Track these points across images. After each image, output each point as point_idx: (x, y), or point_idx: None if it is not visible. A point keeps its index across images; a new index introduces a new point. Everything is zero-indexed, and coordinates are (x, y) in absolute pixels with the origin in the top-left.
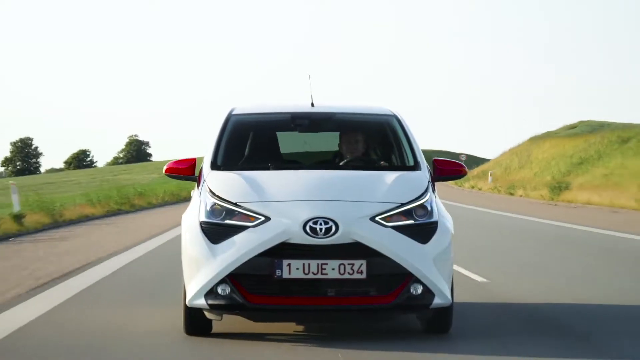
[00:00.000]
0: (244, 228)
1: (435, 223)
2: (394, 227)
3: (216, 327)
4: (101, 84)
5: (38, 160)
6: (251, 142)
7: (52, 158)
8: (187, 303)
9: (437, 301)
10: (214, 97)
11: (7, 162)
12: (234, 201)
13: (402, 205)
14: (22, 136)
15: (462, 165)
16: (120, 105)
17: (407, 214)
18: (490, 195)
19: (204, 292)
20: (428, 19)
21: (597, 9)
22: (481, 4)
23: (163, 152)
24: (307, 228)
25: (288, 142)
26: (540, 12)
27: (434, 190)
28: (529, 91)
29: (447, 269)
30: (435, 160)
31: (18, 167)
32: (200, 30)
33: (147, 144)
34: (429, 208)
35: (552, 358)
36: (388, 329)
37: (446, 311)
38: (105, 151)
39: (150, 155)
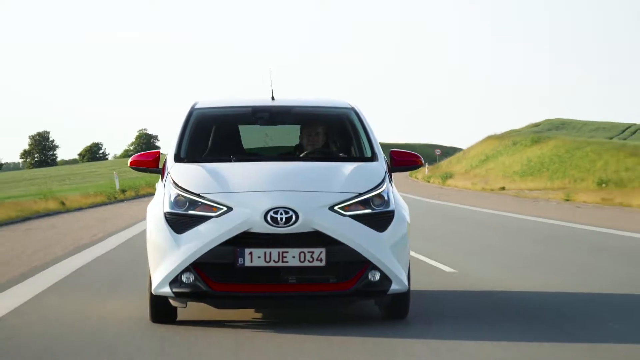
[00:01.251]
0: (207, 218)
1: (392, 212)
2: (352, 216)
3: (182, 315)
4: (113, 81)
5: (55, 152)
6: (214, 135)
7: (66, 151)
8: (152, 291)
9: (394, 287)
10: (219, 93)
11: (25, 154)
12: (197, 192)
13: (360, 195)
14: (40, 130)
15: (417, 156)
16: (131, 101)
17: (365, 203)
18: (414, 181)
19: (169, 281)
20: (425, 16)
21: (575, 6)
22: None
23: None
24: (268, 218)
25: (251, 135)
26: (539, 8)
27: (390, 181)
28: (517, 85)
29: (404, 256)
30: (392, 151)
31: (36, 159)
32: (204, 29)
33: (155, 137)
34: (386, 197)
35: (497, 341)
36: (347, 315)
37: (403, 297)
38: (116, 144)
39: (159, 147)
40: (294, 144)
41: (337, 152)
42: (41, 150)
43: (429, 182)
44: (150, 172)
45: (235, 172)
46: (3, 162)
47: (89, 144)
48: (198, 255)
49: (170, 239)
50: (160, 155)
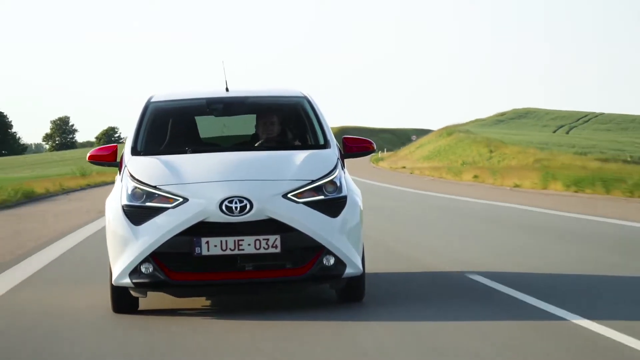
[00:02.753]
0: (164, 209)
1: (345, 198)
2: (305, 203)
3: (143, 305)
4: (129, 69)
5: (74, 136)
6: (171, 127)
7: (84, 134)
8: (113, 282)
9: (348, 271)
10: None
11: (47, 137)
12: (153, 184)
13: (313, 182)
14: (61, 115)
15: (370, 142)
16: (144, 87)
17: (318, 190)
18: (369, 165)
19: (129, 271)
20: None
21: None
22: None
23: None
24: (223, 207)
25: (208, 126)
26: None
27: (343, 167)
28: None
29: (358, 241)
30: (344, 138)
31: (57, 142)
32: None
33: None
34: (338, 184)
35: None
36: (303, 300)
37: (358, 280)
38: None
39: None
40: (250, 134)
41: (293, 141)
42: (61, 134)
43: (372, 163)
44: (109, 165)
45: (191, 164)
46: (26, 143)
47: (105, 128)
48: (156, 246)
49: (128, 230)
50: (118, 148)
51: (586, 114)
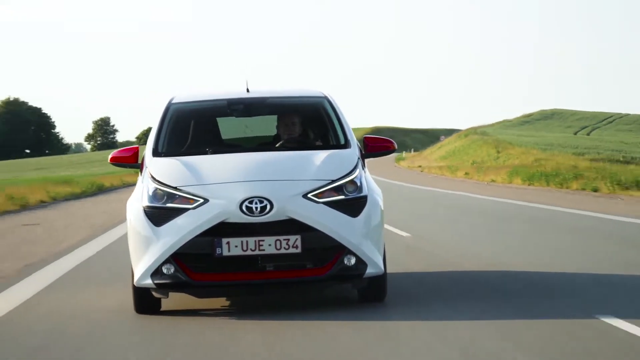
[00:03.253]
0: (185, 210)
1: (365, 197)
2: (325, 203)
3: (166, 305)
4: (168, 69)
5: (115, 136)
6: (193, 128)
7: (124, 134)
8: (134, 283)
9: (370, 271)
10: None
11: (89, 137)
12: (174, 185)
13: (333, 181)
14: (102, 116)
15: (391, 142)
16: (182, 88)
17: (338, 189)
18: (390, 164)
19: (150, 272)
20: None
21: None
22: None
23: None
24: (244, 207)
25: (231, 127)
26: None
27: (363, 167)
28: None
29: (379, 240)
30: (365, 137)
31: (99, 142)
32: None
33: None
34: (359, 183)
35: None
36: (324, 300)
37: (380, 280)
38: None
39: None
40: (272, 134)
41: (314, 141)
42: (103, 134)
43: (395, 162)
44: (130, 167)
45: (211, 164)
46: (68, 142)
47: (145, 128)
48: (177, 247)
49: (149, 231)
50: (139, 150)
51: (611, 115)
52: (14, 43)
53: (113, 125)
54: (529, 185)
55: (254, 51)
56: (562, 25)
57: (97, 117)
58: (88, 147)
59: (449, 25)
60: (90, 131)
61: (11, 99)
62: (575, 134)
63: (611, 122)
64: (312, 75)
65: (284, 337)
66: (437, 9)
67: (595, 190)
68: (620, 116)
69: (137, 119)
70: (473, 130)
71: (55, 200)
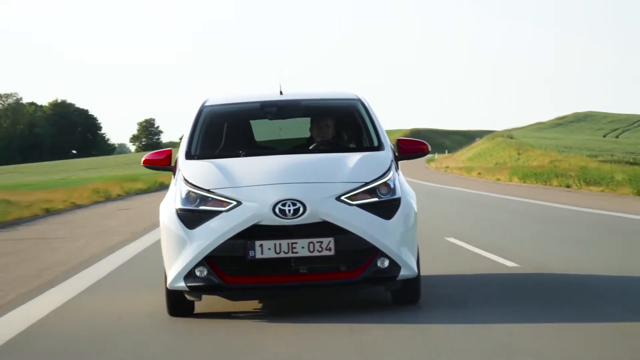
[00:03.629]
0: (218, 213)
1: (399, 200)
2: (358, 205)
3: (199, 308)
4: (210, 71)
5: (159, 137)
6: (226, 131)
7: (168, 135)
8: (167, 286)
9: (403, 273)
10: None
11: (134, 139)
12: (206, 188)
13: (366, 184)
14: (147, 117)
15: (425, 144)
16: (221, 90)
17: (371, 192)
18: (421, 165)
19: (183, 275)
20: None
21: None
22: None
23: None
24: (277, 210)
25: (264, 130)
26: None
27: (397, 169)
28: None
29: (412, 242)
30: (399, 140)
31: (143, 142)
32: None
33: None
34: (392, 186)
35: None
36: (359, 303)
37: (413, 282)
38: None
39: None
40: (306, 137)
41: (347, 143)
42: (147, 135)
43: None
44: (163, 170)
45: (244, 167)
46: (113, 143)
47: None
48: (210, 250)
49: (182, 234)
50: (172, 152)
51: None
52: (61, 45)
53: (157, 127)
54: (523, 182)
55: (288, 54)
56: (608, 28)
57: (141, 119)
58: (131, 147)
59: (493, 25)
60: (135, 132)
61: (59, 101)
62: (604, 136)
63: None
64: (349, 77)
65: (315, 340)
66: (482, 9)
67: (568, 186)
68: None
69: (180, 120)
70: (500, 133)
71: (129, 193)
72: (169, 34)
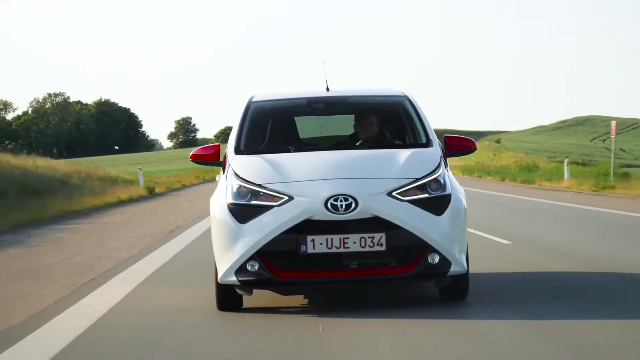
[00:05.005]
0: (269, 208)
1: (449, 196)
2: (410, 201)
3: (246, 302)
4: (244, 70)
5: (195, 134)
6: (271, 127)
7: (204, 133)
8: (218, 280)
9: (453, 269)
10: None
11: (172, 136)
12: (258, 183)
13: (417, 180)
14: (184, 115)
15: (471, 141)
16: (255, 87)
17: (422, 188)
18: None
19: (234, 270)
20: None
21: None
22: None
23: None
24: (329, 205)
25: (306, 126)
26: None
27: (446, 166)
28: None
29: (462, 239)
30: (446, 137)
31: (180, 139)
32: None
33: None
34: (442, 182)
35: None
36: (406, 297)
37: (463, 278)
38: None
39: None
40: (348, 133)
41: (393, 140)
42: (184, 132)
43: None
44: (211, 165)
45: (294, 162)
46: (153, 140)
47: (222, 127)
48: (262, 244)
49: (234, 229)
50: (220, 148)
51: (638, 122)
52: (103, 49)
53: (194, 125)
54: (466, 175)
55: (325, 55)
56: (625, 29)
57: (177, 117)
58: (164, 144)
59: (503, 26)
60: (172, 130)
61: (102, 100)
62: (592, 140)
63: (635, 128)
64: (348, 78)
65: (363, 334)
66: (497, 12)
67: (503, 179)
68: None
69: (216, 118)
70: (490, 138)
71: (204, 181)
72: (199, 37)
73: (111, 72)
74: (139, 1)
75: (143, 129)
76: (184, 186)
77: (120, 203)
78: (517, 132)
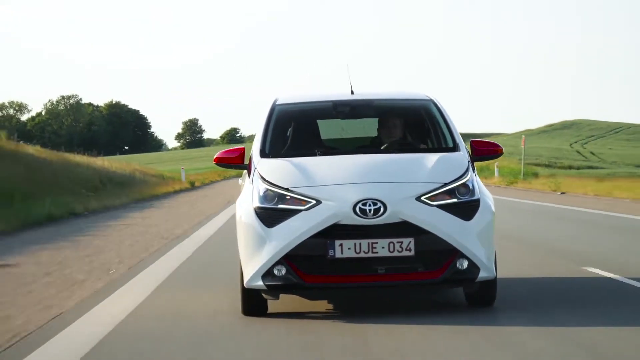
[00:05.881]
0: (297, 212)
1: (478, 201)
2: (438, 206)
3: (270, 307)
4: (251, 71)
5: (202, 135)
6: (293, 129)
7: (209, 134)
8: (245, 285)
9: (482, 275)
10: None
11: (179, 136)
12: (285, 186)
13: (446, 184)
14: (189, 116)
15: (498, 146)
16: (264, 90)
17: (451, 193)
18: None
19: (261, 274)
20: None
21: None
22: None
23: None
24: (357, 209)
25: (326, 129)
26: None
27: (474, 170)
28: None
29: (490, 244)
30: (472, 141)
31: (187, 140)
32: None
33: None
34: (471, 187)
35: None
36: (432, 302)
37: (491, 284)
38: (250, 128)
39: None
40: (369, 135)
41: (419, 144)
42: (191, 133)
43: None
44: (236, 168)
45: (321, 166)
46: (161, 139)
47: (228, 128)
48: (289, 249)
49: (261, 233)
50: (245, 151)
51: (621, 126)
52: (114, 52)
53: (200, 126)
54: None
55: (325, 56)
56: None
57: (185, 118)
58: (169, 144)
59: (502, 24)
60: (180, 131)
61: (114, 102)
62: (570, 145)
63: (617, 132)
64: (351, 78)
65: (390, 338)
66: (493, 14)
67: None
68: (629, 126)
69: (222, 119)
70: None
71: (224, 178)
72: (203, 37)
73: (118, 72)
74: (142, 5)
75: (152, 130)
76: (212, 182)
77: (179, 191)
78: (505, 134)
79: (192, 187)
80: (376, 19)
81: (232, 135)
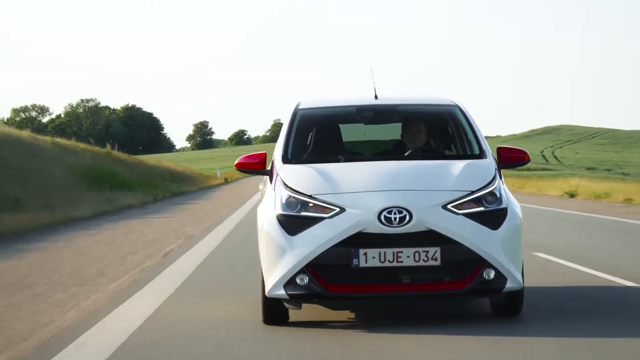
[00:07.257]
0: (320, 219)
1: (505, 209)
2: (465, 215)
3: (292, 317)
4: (259, 74)
5: (211, 137)
6: (315, 135)
7: (219, 135)
8: (266, 294)
9: (509, 285)
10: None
11: (189, 138)
12: (308, 193)
13: (472, 192)
14: (201, 119)
15: (526, 153)
16: (270, 93)
17: (477, 201)
18: None
19: (283, 283)
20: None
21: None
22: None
23: None
24: (382, 218)
25: (348, 131)
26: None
27: (501, 177)
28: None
29: (518, 254)
30: (499, 148)
31: (198, 141)
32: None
33: None
34: (498, 195)
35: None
36: (457, 313)
37: (517, 294)
38: (257, 130)
39: None
40: (392, 139)
41: (443, 150)
42: (202, 135)
43: None
44: (257, 173)
45: (345, 173)
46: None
47: (236, 130)
48: (312, 257)
49: (283, 240)
50: (267, 156)
51: (598, 131)
52: (127, 56)
53: (210, 128)
54: None
55: (329, 57)
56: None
57: (195, 120)
58: (177, 145)
59: (509, 30)
60: (191, 132)
61: (129, 106)
62: (543, 150)
63: (594, 137)
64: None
65: (413, 350)
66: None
67: None
68: (606, 132)
69: (230, 121)
70: None
71: (247, 176)
72: (210, 39)
73: (134, 75)
74: (147, 10)
75: (165, 131)
76: (237, 178)
77: (218, 185)
78: (489, 138)
79: (226, 182)
80: (376, 20)
81: (240, 137)
